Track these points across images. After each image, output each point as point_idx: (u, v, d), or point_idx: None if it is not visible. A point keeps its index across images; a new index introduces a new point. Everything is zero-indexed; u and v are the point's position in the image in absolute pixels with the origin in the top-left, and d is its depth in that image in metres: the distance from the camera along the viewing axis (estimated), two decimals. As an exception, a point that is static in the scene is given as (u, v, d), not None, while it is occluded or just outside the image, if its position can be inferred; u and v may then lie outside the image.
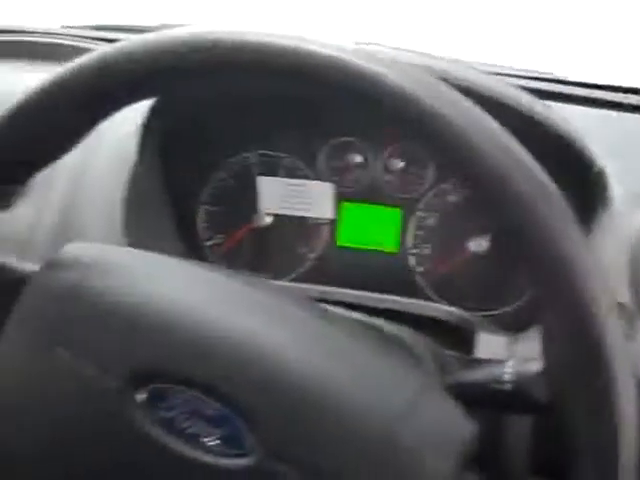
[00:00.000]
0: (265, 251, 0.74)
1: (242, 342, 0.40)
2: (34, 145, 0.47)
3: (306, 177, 0.73)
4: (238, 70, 0.43)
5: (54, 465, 0.42)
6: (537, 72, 0.78)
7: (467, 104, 0.39)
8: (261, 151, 0.74)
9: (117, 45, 0.44)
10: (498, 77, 0.70)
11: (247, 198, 0.74)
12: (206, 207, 0.75)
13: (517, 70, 0.78)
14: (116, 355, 0.41)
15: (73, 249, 0.46)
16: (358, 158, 0.73)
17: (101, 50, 0.44)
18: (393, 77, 0.39)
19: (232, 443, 0.39)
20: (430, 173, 0.72)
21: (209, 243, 0.75)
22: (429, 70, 0.60)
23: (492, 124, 0.38)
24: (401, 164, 0.73)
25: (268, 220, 0.74)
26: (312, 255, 0.74)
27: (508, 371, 0.43)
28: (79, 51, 0.46)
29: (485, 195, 0.38)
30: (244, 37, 0.41)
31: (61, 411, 0.42)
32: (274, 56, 0.41)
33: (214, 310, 0.42)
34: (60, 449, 0.42)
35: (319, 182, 0.72)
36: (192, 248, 0.75)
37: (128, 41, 0.43)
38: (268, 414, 0.39)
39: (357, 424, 0.38)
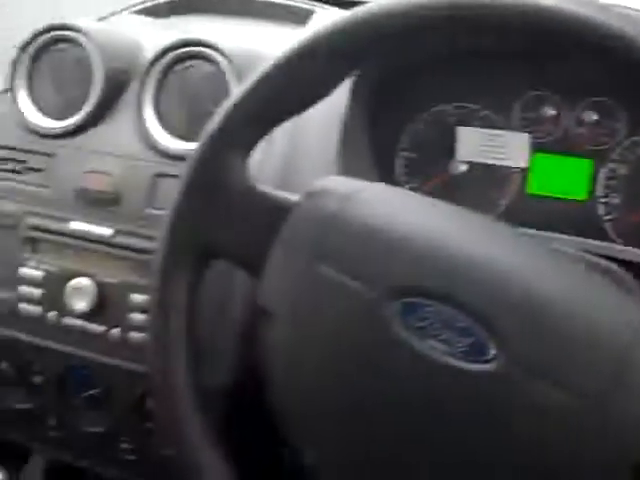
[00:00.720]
0: (458, 196, 0.80)
1: (491, 266, 0.47)
2: (291, 95, 0.55)
3: (500, 128, 0.78)
4: (479, 29, 0.49)
5: (320, 358, 0.51)
6: None
7: None
8: (458, 103, 0.80)
9: (376, 4, 0.50)
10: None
11: (443, 147, 0.80)
12: (404, 154, 0.82)
13: None
14: (375, 271, 0.49)
15: (331, 182, 0.54)
16: (552, 111, 0.77)
17: (363, 8, 0.51)
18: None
19: (478, 351, 0.46)
20: (623, 126, 0.75)
21: (406, 187, 0.82)
22: None
23: None
24: (594, 117, 0.76)
25: (463, 168, 0.80)
26: (503, 201, 0.79)
27: None
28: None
29: None
30: None
31: (326, 316, 0.50)
32: (517, 15, 0.46)
33: (463, 236, 0.49)
34: (326, 349, 0.51)
35: (516, 132, 0.77)
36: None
37: (385, 1, 0.50)
38: (516, 330, 0.46)
39: (595, 346, 0.44)
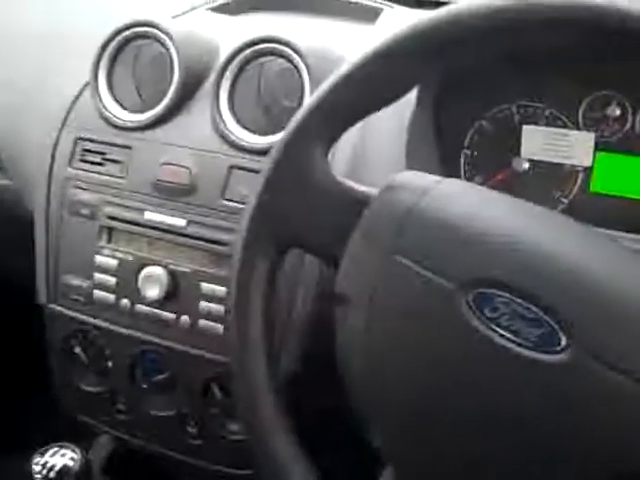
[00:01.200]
0: (521, 193, 0.81)
1: (561, 259, 0.49)
2: (371, 94, 0.57)
3: (565, 127, 0.79)
4: (553, 31, 0.50)
5: (395, 346, 0.53)
6: None
7: None
8: (523, 102, 0.81)
9: (455, 6, 0.52)
10: None
11: (507, 144, 0.81)
12: (469, 151, 0.83)
13: None
14: (450, 263, 0.51)
15: (408, 176, 0.56)
16: (617, 111, 0.78)
17: (442, 11, 0.53)
18: None
19: (548, 341, 0.48)
20: (688, 127, 0.76)
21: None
22: None
23: None
24: (659, 117, 0.77)
25: (526, 165, 0.81)
26: (565, 199, 0.80)
27: None
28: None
29: None
30: None
31: (402, 306, 0.53)
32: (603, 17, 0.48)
33: (535, 230, 0.51)
34: (401, 338, 0.53)
35: (581, 132, 0.78)
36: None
37: (471, 1, 0.52)
38: (586, 321, 0.47)
39: None
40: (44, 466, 0.64)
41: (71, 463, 0.64)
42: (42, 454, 0.66)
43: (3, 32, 0.98)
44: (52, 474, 0.64)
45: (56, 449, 0.65)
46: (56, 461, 0.64)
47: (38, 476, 0.64)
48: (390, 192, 0.55)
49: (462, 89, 0.82)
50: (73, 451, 0.65)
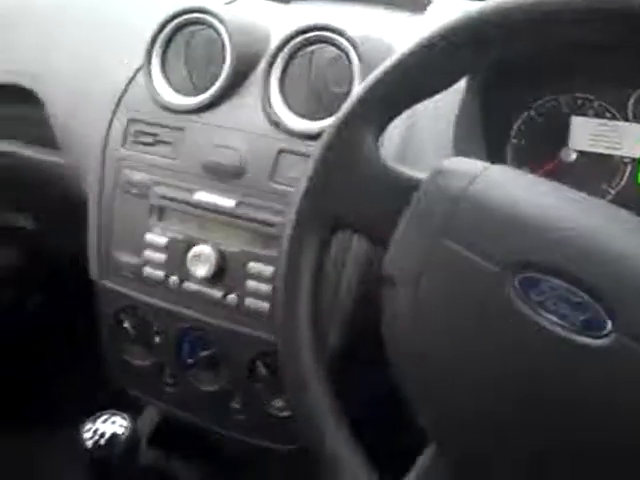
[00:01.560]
0: (568, 184, 0.82)
1: (608, 245, 0.50)
2: (423, 81, 0.58)
3: (614, 119, 0.80)
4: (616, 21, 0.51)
5: (440, 327, 0.54)
6: None
7: None
8: (573, 93, 0.81)
9: None
10: None
11: (555, 135, 0.82)
12: (516, 141, 0.84)
13: None
14: (498, 247, 0.52)
15: (458, 161, 0.57)
16: (667, 103, 0.78)
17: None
18: None
19: (594, 325, 0.49)
20: None
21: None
22: None
23: None
24: None
25: (574, 156, 0.81)
26: (612, 191, 0.80)
27: None
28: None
29: None
30: None
31: (448, 288, 0.54)
32: None
33: (583, 217, 0.51)
34: (447, 319, 0.54)
35: (631, 124, 0.78)
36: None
37: None
38: (631, 305, 0.48)
39: None
40: (95, 432, 0.66)
41: (120, 431, 0.66)
42: (93, 421, 0.68)
43: (60, 18, 1.01)
44: (102, 441, 0.67)
45: (107, 416, 0.67)
46: (106, 428, 0.66)
47: (89, 442, 0.67)
48: (440, 177, 0.56)
49: (511, 78, 0.82)
50: (123, 419, 0.67)
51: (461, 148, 0.78)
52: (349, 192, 0.60)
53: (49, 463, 1.28)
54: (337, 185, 0.60)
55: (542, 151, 0.83)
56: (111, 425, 0.67)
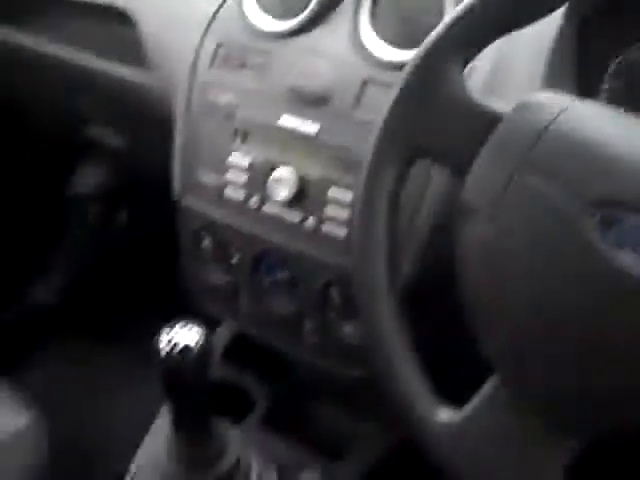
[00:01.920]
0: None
1: None
2: (511, 12, 0.57)
3: None
4: None
5: (516, 258, 0.54)
6: None
7: None
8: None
9: None
10: None
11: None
12: (611, 82, 0.81)
13: None
14: (580, 182, 0.51)
15: (544, 95, 0.56)
16: None
17: None
18: None
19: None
20: None
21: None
22: None
23: None
24: None
25: (671, 99, 0.78)
26: None
27: None
28: None
29: None
30: None
31: (526, 221, 0.53)
32: None
33: None
34: (523, 252, 0.54)
35: None
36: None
37: None
38: None
39: None
40: (169, 342, 0.69)
41: (194, 342, 0.68)
42: (168, 332, 0.71)
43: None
44: (175, 350, 0.69)
45: (182, 325, 0.69)
46: (181, 338, 0.69)
47: (163, 352, 0.69)
48: (526, 109, 0.55)
49: (612, 15, 0.79)
50: (198, 329, 0.70)
51: (552, 84, 0.76)
52: (431, 120, 0.59)
53: (127, 375, 1.34)
54: (419, 113, 0.59)
55: (638, 94, 0.80)
56: (186, 334, 0.69)
